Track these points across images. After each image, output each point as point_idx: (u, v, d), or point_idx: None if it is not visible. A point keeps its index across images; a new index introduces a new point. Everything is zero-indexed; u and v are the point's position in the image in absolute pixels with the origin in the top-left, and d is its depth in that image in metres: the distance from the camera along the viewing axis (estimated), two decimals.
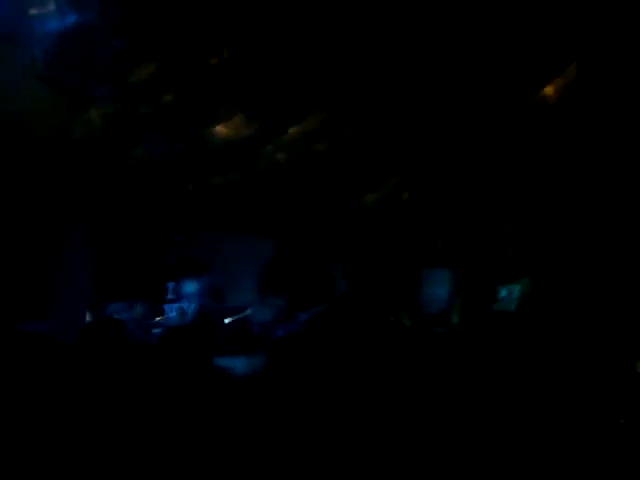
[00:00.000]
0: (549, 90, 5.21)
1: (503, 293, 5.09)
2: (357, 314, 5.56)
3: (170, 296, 5.11)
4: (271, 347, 4.76)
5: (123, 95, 5.13)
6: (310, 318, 5.13)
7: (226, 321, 4.90)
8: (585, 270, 5.11)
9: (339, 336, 5.11)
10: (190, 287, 5.16)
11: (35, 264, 5.15)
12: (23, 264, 5.13)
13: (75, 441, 3.54)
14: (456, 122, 5.57)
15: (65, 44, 4.75)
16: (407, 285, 5.22)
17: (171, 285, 5.12)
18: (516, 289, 5.06)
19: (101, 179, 5.36)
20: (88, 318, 5.16)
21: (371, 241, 5.87)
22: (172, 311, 5.08)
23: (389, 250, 5.76)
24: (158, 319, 5.01)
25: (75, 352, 4.59)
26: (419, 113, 5.59)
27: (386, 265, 5.65)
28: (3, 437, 3.33)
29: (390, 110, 5.59)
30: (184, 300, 5.12)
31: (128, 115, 5.26)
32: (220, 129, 5.60)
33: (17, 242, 5.08)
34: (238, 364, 4.66)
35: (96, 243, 5.40)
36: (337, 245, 5.92)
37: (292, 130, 5.71)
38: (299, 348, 4.85)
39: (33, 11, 4.65)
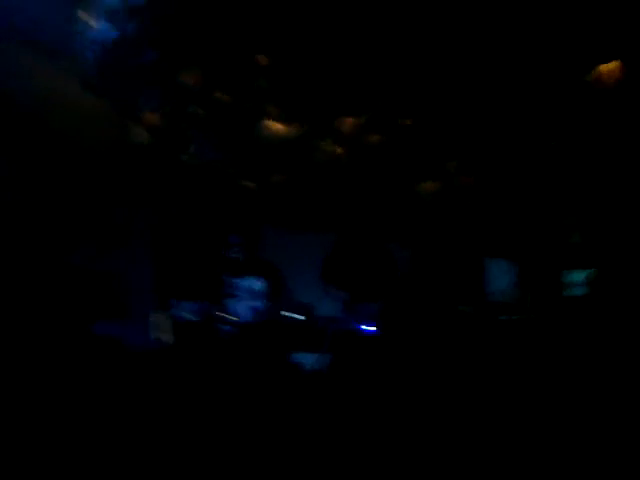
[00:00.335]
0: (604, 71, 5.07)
1: (570, 279, 5.00)
2: (422, 306, 5.57)
3: (237, 294, 5.18)
4: (338, 342, 4.85)
5: (172, 99, 5.21)
6: (376, 312, 5.17)
7: (291, 317, 4.95)
8: None
9: (406, 329, 5.13)
10: (255, 285, 5.22)
11: (102, 268, 5.30)
12: (92, 269, 5.30)
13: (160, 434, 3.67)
14: (516, 104, 5.47)
15: (111, 54, 4.85)
16: (470, 274, 5.17)
17: (237, 283, 5.20)
18: (583, 274, 4.97)
19: (158, 182, 5.46)
20: (154, 319, 5.29)
21: (431, 231, 5.82)
22: (239, 309, 5.16)
23: (450, 239, 5.70)
24: (226, 318, 5.10)
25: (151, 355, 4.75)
26: (478, 93, 5.51)
27: (448, 255, 5.59)
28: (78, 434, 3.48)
29: (447, 92, 5.52)
30: (250, 298, 5.19)
31: (179, 118, 5.34)
32: (274, 125, 5.63)
33: (84, 248, 5.24)
34: (306, 360, 4.73)
35: (158, 245, 5.53)
36: (398, 236, 5.90)
37: (348, 122, 5.70)
38: (366, 343, 4.90)
39: (79, 24, 4.76)
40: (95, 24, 4.97)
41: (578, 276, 4.96)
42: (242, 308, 5.16)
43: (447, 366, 4.78)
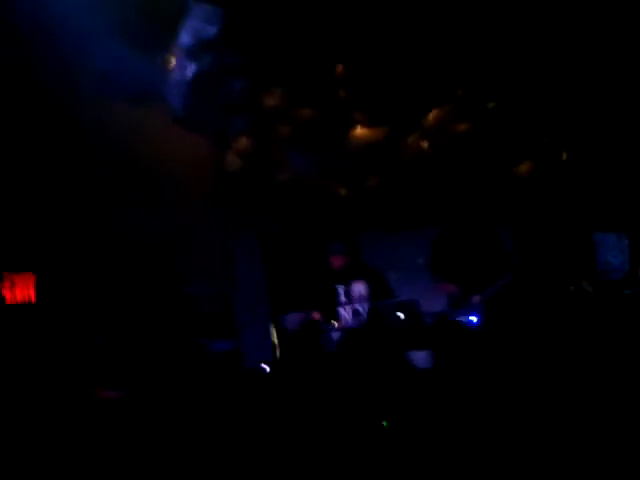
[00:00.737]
0: None
1: None
2: (536, 289, 5.38)
3: (342, 299, 5.28)
4: (445, 337, 4.79)
5: (259, 122, 5.41)
6: (487, 301, 5.06)
7: (399, 316, 4.96)
8: None
9: (520, 315, 4.98)
10: (360, 288, 5.30)
11: (215, 287, 5.62)
12: (206, 288, 5.63)
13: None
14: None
15: (197, 89, 5.13)
16: (582, 253, 4.93)
17: (342, 289, 5.30)
18: None
19: (258, 203, 5.70)
20: (272, 332, 5.51)
21: (536, 211, 5.63)
22: (347, 314, 5.25)
23: (557, 218, 5.48)
24: (335, 324, 5.21)
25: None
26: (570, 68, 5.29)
27: (556, 235, 5.38)
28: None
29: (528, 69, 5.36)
30: (356, 302, 5.27)
31: (268, 139, 5.55)
32: (360, 131, 5.71)
33: (197, 269, 5.57)
34: (418, 358, 4.71)
35: (266, 259, 5.76)
36: (506, 221, 5.76)
37: (431, 115, 5.67)
38: (472, 336, 4.80)
39: (161, 67, 5.08)
40: (175, 64, 5.30)
41: None
42: (348, 313, 5.25)
43: (559, 352, 4.58)
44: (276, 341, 5.47)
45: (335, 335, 5.14)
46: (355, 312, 5.24)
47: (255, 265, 5.75)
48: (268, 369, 4.83)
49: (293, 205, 5.84)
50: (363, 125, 5.69)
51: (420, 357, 4.74)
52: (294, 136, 5.70)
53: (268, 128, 5.69)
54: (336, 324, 5.18)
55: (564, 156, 5.47)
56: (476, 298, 5.15)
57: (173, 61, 5.21)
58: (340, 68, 5.57)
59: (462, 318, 4.90)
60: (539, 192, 5.62)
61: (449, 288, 5.27)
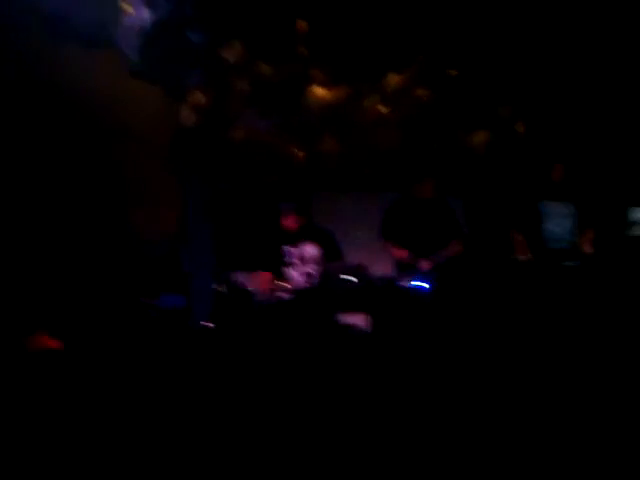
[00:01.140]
0: None
1: (636, 217, 4.73)
2: (482, 256, 5.43)
3: (293, 261, 5.25)
4: (392, 302, 4.81)
5: (216, 76, 5.28)
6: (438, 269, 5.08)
7: (348, 279, 4.96)
8: None
9: (463, 283, 5.03)
10: (311, 250, 5.27)
11: (166, 243, 5.54)
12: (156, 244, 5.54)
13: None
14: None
15: (154, 40, 4.97)
16: (528, 222, 4.98)
17: (293, 250, 5.26)
18: None
19: (210, 159, 5.59)
20: (216, 289, 5.45)
21: (487, 180, 5.65)
22: (297, 276, 5.22)
23: (506, 188, 5.52)
24: (283, 284, 5.18)
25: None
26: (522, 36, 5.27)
27: (505, 203, 5.42)
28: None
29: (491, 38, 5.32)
30: (307, 264, 5.24)
31: (224, 94, 5.42)
32: (319, 91, 5.61)
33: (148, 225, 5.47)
34: (359, 321, 4.74)
35: (215, 217, 5.68)
36: (459, 190, 5.78)
37: (391, 79, 5.61)
38: (419, 301, 4.84)
39: (117, 13, 4.90)
40: (133, 11, 5.12)
41: None
42: (297, 275, 5.22)
43: (506, 319, 4.65)
44: (221, 299, 5.43)
45: (285, 296, 5.12)
46: (306, 274, 5.22)
47: (205, 222, 5.67)
48: (212, 325, 4.80)
49: (247, 163, 5.75)
50: (322, 85, 5.60)
51: (362, 319, 4.77)
52: (252, 93, 5.59)
53: (225, 83, 5.56)
54: (287, 285, 5.15)
55: (520, 128, 5.48)
56: (427, 265, 5.17)
57: (129, 7, 5.03)
58: (302, 24, 5.45)
59: (412, 284, 4.91)
60: (492, 162, 5.63)
61: (399, 253, 5.27)
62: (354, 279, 4.91)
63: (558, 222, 4.91)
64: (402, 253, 5.26)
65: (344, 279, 4.96)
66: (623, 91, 5.16)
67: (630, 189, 5.14)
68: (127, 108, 5.27)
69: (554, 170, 4.89)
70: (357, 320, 4.66)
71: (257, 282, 5.06)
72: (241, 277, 5.10)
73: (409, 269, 5.18)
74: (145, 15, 5.09)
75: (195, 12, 5.19)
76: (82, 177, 5.34)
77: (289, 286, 5.15)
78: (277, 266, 5.20)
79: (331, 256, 5.22)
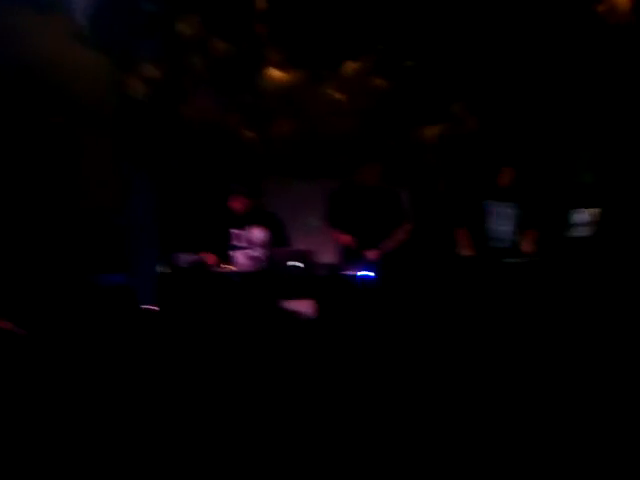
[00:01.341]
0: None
1: (577, 219, 4.87)
2: (425, 250, 5.49)
3: (239, 244, 5.19)
4: (336, 289, 4.82)
5: (170, 50, 5.15)
6: (380, 257, 5.11)
7: (292, 264, 4.93)
8: None
9: (406, 275, 5.08)
10: (259, 234, 5.22)
11: (108, 220, 5.38)
12: (98, 221, 5.38)
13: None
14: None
15: (105, 6, 4.80)
16: (472, 219, 5.06)
17: (239, 233, 5.20)
18: (591, 214, 4.83)
19: (159, 135, 5.46)
20: (159, 270, 5.35)
21: (435, 175, 5.72)
22: (242, 258, 5.17)
23: (453, 184, 5.59)
24: (228, 266, 5.12)
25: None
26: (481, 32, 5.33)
27: (451, 200, 5.50)
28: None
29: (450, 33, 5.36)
30: (254, 247, 5.19)
31: (177, 69, 5.29)
32: (275, 74, 5.55)
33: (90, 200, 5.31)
34: (303, 307, 4.72)
35: (160, 195, 5.55)
36: (403, 180, 5.81)
37: (348, 67, 5.59)
38: (364, 290, 4.86)
39: None
40: None
41: (584, 216, 4.82)
42: (243, 258, 5.17)
43: (448, 312, 4.73)
44: (164, 280, 5.33)
45: (227, 279, 5.05)
46: (252, 257, 5.17)
47: (149, 199, 5.54)
48: (156, 309, 4.71)
49: (196, 142, 5.64)
50: (279, 67, 5.54)
51: (307, 306, 4.76)
52: (206, 70, 5.48)
53: (178, 57, 5.44)
54: (231, 268, 5.09)
55: (471, 125, 5.55)
56: (373, 255, 5.18)
57: None
58: (261, 3, 5.37)
59: (359, 273, 4.92)
60: (442, 157, 5.70)
61: (343, 239, 5.24)
62: (300, 265, 4.89)
63: (501, 222, 5.00)
64: (346, 239, 5.23)
65: (290, 265, 4.93)
66: (572, 96, 5.28)
67: (571, 192, 5.28)
68: (72, 74, 5.08)
69: (502, 173, 4.96)
70: (302, 307, 4.64)
71: (202, 264, 4.99)
72: (186, 258, 5.02)
73: (354, 256, 5.18)
74: None
75: None
76: (19, 145, 5.13)
77: (234, 269, 5.10)
78: (223, 248, 5.13)
79: (278, 241, 5.18)
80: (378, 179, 5.24)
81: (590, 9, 5.08)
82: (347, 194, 5.32)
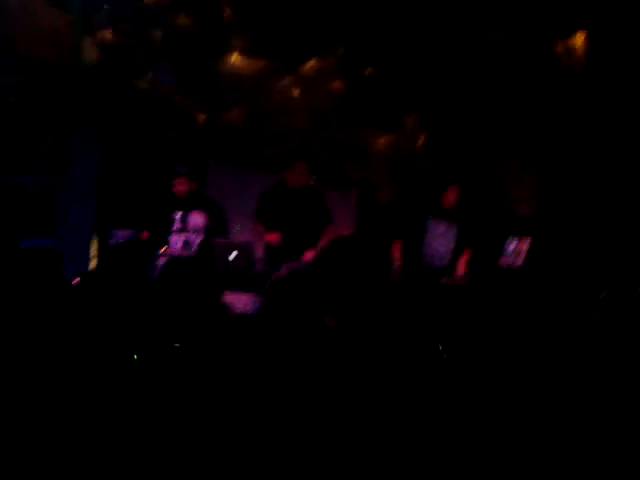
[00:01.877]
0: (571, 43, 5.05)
1: (511, 247, 5.03)
2: (360, 257, 5.54)
3: (176, 227, 5.09)
4: (270, 285, 4.79)
5: (132, 18, 4.99)
6: (314, 257, 5.12)
7: (230, 257, 4.88)
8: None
9: (339, 276, 5.11)
10: (197, 219, 5.13)
11: (40, 182, 5.16)
12: (27, 182, 5.15)
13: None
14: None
15: None
16: (411, 235, 5.13)
17: (178, 216, 5.09)
18: (524, 243, 5.00)
19: (109, 104, 5.28)
20: (93, 243, 5.20)
21: (379, 184, 5.78)
22: (177, 242, 5.07)
23: (397, 196, 5.68)
24: (163, 249, 5.01)
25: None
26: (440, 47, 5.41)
27: (392, 210, 5.58)
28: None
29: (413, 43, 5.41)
30: (190, 232, 5.10)
31: (137, 39, 5.14)
32: (235, 59, 5.46)
33: (22, 159, 5.08)
34: (239, 301, 4.68)
35: (102, 167, 5.38)
36: (341, 185, 5.85)
37: (309, 65, 5.56)
38: (298, 287, 4.86)
39: None
40: None
41: (517, 245, 4.99)
42: (176, 241, 5.07)
43: (379, 320, 4.80)
44: (95, 254, 5.17)
45: (161, 261, 4.95)
46: (186, 242, 5.08)
47: (90, 169, 5.35)
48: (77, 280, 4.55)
49: (145, 117, 5.48)
50: (241, 53, 5.45)
51: (241, 300, 4.72)
52: (165, 44, 5.33)
53: (139, 27, 5.26)
54: (165, 250, 4.99)
55: (422, 139, 5.63)
56: (309, 255, 5.18)
57: None
58: None
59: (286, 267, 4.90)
60: (390, 167, 5.76)
61: (270, 237, 5.19)
62: (238, 258, 4.84)
63: (441, 240, 5.09)
64: (273, 237, 5.19)
65: (228, 257, 4.88)
66: (521, 127, 5.44)
67: (508, 219, 5.46)
68: (30, 29, 4.84)
69: (447, 192, 5.04)
70: (239, 300, 4.60)
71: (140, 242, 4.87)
72: (123, 234, 4.88)
73: (282, 253, 5.14)
74: None
75: None
76: None
77: (164, 250, 4.99)
78: (163, 230, 5.02)
79: (217, 229, 5.11)
80: (305, 179, 5.24)
81: (548, 49, 5.25)
82: (276, 194, 5.29)
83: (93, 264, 5.30)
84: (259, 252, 5.01)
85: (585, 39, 5.01)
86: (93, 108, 5.33)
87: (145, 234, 4.96)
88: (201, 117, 5.57)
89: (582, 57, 5.11)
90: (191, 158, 5.41)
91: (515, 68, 5.35)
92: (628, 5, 4.80)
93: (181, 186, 5.10)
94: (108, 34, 5.24)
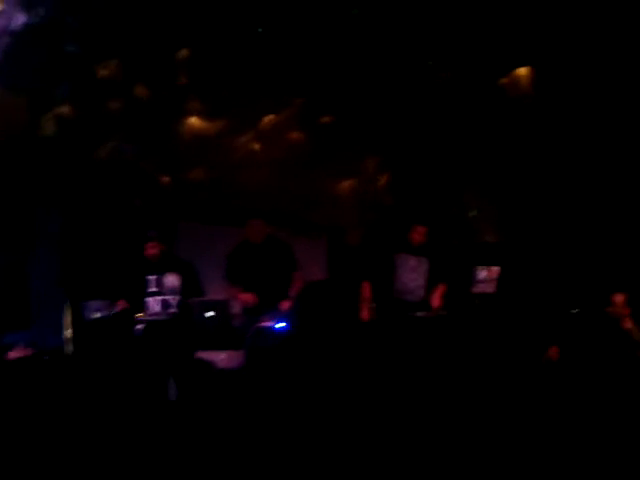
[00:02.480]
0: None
1: (481, 275, 5.14)
2: (335, 303, 5.63)
3: (152, 290, 5.10)
4: (251, 342, 4.82)
5: (88, 91, 5.09)
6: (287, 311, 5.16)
7: (207, 315, 4.91)
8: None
9: (318, 326, 5.18)
10: (172, 280, 5.15)
11: (10, 270, 5.13)
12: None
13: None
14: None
15: (21, 45, 4.70)
16: (382, 272, 5.23)
17: (152, 279, 5.11)
18: (494, 271, 5.12)
19: (69, 178, 5.33)
20: (66, 319, 5.18)
21: (347, 227, 5.89)
22: (155, 305, 5.08)
23: (365, 237, 5.79)
24: (141, 314, 5.02)
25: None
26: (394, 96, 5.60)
27: (360, 252, 5.68)
28: None
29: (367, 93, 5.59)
30: (167, 293, 5.12)
31: (95, 111, 5.23)
32: (194, 121, 5.59)
33: None
34: (219, 358, 4.70)
35: (67, 243, 5.39)
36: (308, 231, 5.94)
37: (267, 119, 5.71)
38: (279, 341, 4.91)
39: None
40: (4, 9, 4.81)
41: (489, 272, 5.11)
42: (155, 304, 5.08)
43: (360, 361, 4.86)
44: (70, 331, 5.16)
45: (140, 327, 4.95)
46: (164, 303, 5.09)
47: (55, 244, 5.35)
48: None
49: (109, 185, 5.54)
50: (198, 116, 5.57)
51: (222, 357, 4.74)
52: (124, 113, 5.43)
53: (96, 100, 5.36)
54: (141, 315, 4.99)
55: (383, 179, 5.78)
56: (286, 305, 5.22)
57: (2, 5, 4.71)
58: (185, 52, 5.41)
59: (276, 325, 4.95)
60: (355, 210, 5.88)
61: (244, 297, 5.21)
62: (211, 314, 4.87)
63: (412, 275, 5.18)
64: (246, 297, 5.18)
65: (206, 315, 4.90)
66: (476, 160, 5.62)
67: (475, 250, 5.60)
68: None
69: (414, 230, 5.14)
70: (218, 357, 4.62)
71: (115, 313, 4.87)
72: (97, 306, 4.87)
73: (257, 307, 5.17)
74: (19, 15, 4.79)
75: (75, 23, 4.97)
76: None
77: (144, 316, 5.00)
78: (139, 295, 5.03)
79: (192, 289, 5.14)
80: (264, 234, 5.29)
81: (494, 81, 5.47)
82: (241, 252, 5.34)
83: (68, 334, 5.30)
84: (235, 308, 5.04)
85: (529, 71, 5.25)
86: (54, 180, 5.37)
87: (121, 303, 4.96)
88: (165, 179, 5.65)
89: (527, 88, 5.34)
90: (159, 220, 5.46)
91: (466, 103, 5.56)
92: (568, 38, 5.05)
93: (153, 249, 5.13)
94: (66, 109, 5.32)
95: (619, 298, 4.64)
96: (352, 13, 5.34)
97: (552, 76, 5.23)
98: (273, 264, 5.26)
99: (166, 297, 5.09)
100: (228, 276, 5.29)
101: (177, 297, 5.08)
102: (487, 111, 5.55)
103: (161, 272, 5.10)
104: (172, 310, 5.05)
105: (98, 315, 4.89)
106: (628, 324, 4.65)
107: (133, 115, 5.42)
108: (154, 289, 5.09)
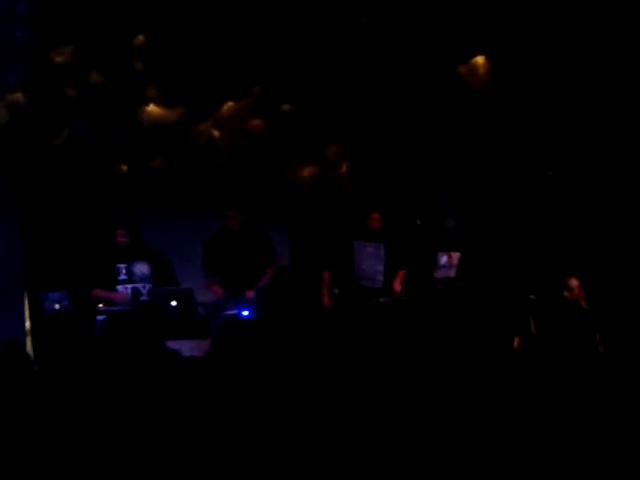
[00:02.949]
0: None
1: (442, 260, 5.24)
2: (298, 290, 5.66)
3: (122, 278, 5.07)
4: (217, 330, 4.82)
5: (42, 78, 4.97)
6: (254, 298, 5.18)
7: (173, 303, 4.89)
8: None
9: (284, 313, 5.20)
10: (142, 269, 5.12)
11: None
12: None
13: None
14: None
15: None
16: (341, 259, 5.28)
17: (122, 267, 5.08)
18: (455, 256, 5.23)
19: (28, 165, 5.21)
20: (26, 309, 5.09)
21: (308, 214, 5.92)
22: (123, 292, 5.05)
23: (325, 223, 5.83)
24: (102, 305, 4.97)
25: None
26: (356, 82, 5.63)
27: (321, 239, 5.72)
28: None
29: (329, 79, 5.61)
30: (137, 282, 5.09)
31: (49, 98, 5.11)
32: (152, 109, 5.50)
33: None
34: (184, 347, 4.68)
35: (27, 231, 5.29)
36: (276, 220, 5.95)
37: (227, 106, 5.66)
38: (244, 331, 4.91)
39: None
40: None
41: (450, 257, 5.21)
42: (124, 291, 5.04)
43: (324, 349, 4.90)
44: (29, 324, 5.09)
45: (102, 316, 4.89)
46: (135, 291, 5.05)
47: (13, 235, 5.23)
48: None
49: (65, 173, 5.42)
50: (156, 103, 5.49)
51: (186, 347, 4.72)
52: (80, 101, 5.31)
53: (50, 87, 5.23)
54: (105, 306, 4.93)
55: (344, 167, 5.81)
56: (251, 294, 5.25)
57: None
58: (141, 38, 5.32)
59: (241, 312, 4.96)
60: (316, 197, 5.91)
61: (215, 291, 5.24)
62: (175, 303, 4.85)
63: (371, 262, 5.25)
64: (218, 292, 5.25)
65: (172, 304, 4.88)
66: (434, 145, 5.70)
67: (436, 235, 5.70)
68: None
69: (371, 217, 5.21)
70: (184, 346, 4.59)
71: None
72: (55, 297, 4.79)
73: (233, 297, 5.20)
74: None
75: (28, 8, 4.84)
76: None
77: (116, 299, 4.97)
78: (107, 283, 4.99)
79: (164, 278, 5.12)
80: (240, 222, 5.32)
81: (451, 69, 5.55)
82: (219, 240, 5.35)
83: (27, 325, 5.22)
84: (206, 298, 5.06)
85: (485, 60, 5.34)
86: (8, 168, 5.24)
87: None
88: (123, 168, 5.56)
89: (484, 77, 5.44)
90: (119, 208, 5.39)
91: (424, 90, 5.62)
92: (524, 27, 5.16)
93: (123, 237, 5.09)
94: (19, 96, 5.18)
95: (574, 282, 4.79)
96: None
97: (509, 65, 5.34)
98: (250, 250, 5.30)
99: (136, 285, 5.06)
100: (207, 264, 5.31)
101: (147, 285, 5.07)
102: (445, 98, 5.63)
103: (130, 260, 5.07)
104: (143, 297, 5.02)
105: (57, 307, 4.82)
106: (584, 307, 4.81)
107: (89, 103, 5.31)
108: (124, 277, 5.06)
